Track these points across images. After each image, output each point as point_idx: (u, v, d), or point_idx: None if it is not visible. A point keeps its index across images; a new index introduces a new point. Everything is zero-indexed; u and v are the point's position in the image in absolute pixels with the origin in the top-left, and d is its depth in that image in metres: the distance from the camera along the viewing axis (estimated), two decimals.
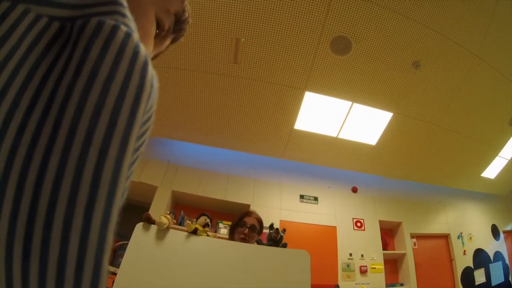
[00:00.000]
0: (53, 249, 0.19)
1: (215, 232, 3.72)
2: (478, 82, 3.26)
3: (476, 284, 4.54)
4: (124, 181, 0.23)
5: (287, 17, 2.66)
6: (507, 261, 4.98)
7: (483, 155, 4.40)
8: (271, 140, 4.05)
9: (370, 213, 4.54)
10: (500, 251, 5.03)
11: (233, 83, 3.31)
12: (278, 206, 4.20)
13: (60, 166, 0.20)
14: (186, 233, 1.47)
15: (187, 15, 0.53)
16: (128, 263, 1.31)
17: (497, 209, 5.43)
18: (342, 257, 4.04)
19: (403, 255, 4.39)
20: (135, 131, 0.24)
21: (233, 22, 2.73)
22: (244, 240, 1.74)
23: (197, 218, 1.57)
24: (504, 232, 5.27)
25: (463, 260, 4.62)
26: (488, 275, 4.67)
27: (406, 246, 4.42)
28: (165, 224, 1.43)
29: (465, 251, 4.71)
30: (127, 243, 1.37)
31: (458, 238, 4.79)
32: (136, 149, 0.26)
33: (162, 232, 1.43)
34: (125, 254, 1.32)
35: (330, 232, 4.21)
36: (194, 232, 1.48)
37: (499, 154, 4.42)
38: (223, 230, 3.72)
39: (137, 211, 1.99)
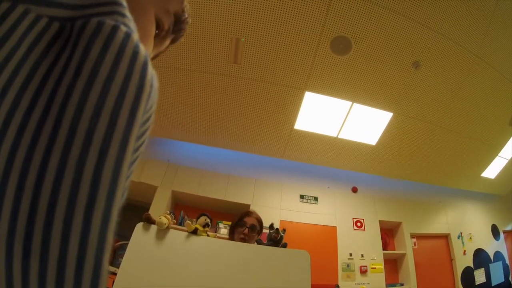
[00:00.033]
0: (53, 249, 0.19)
1: (215, 232, 3.72)
2: (478, 82, 3.26)
3: (476, 284, 4.53)
4: (124, 181, 0.23)
5: (287, 17, 2.66)
6: (507, 261, 4.98)
7: (483, 155, 4.40)
8: (271, 140, 4.05)
9: (370, 213, 4.54)
10: (500, 251, 5.03)
11: (233, 83, 3.31)
12: (278, 206, 4.20)
13: (60, 166, 0.20)
14: (186, 233, 1.47)
15: (186, 15, 0.53)
16: (128, 263, 1.31)
17: (497, 209, 5.43)
18: (342, 257, 4.04)
19: (403, 255, 4.39)
20: (135, 131, 0.24)
21: (233, 22, 2.73)
22: (244, 240, 1.74)
23: (197, 218, 1.57)
24: (504, 232, 5.27)
25: (463, 260, 4.62)
26: (488, 275, 4.67)
27: (406, 246, 4.42)
28: (165, 224, 1.43)
29: (465, 251, 4.71)
30: (127, 243, 1.37)
31: (458, 238, 4.79)
32: (136, 149, 0.26)
33: (162, 232, 1.43)
34: (125, 254, 1.32)
35: (330, 232, 4.21)
36: (194, 232, 1.48)
37: (499, 154, 4.42)
38: (223, 230, 3.72)
39: (137, 211, 1.99)
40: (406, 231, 4.57)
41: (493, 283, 4.66)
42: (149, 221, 1.46)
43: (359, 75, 3.14)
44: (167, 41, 0.53)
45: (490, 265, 4.80)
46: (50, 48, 0.23)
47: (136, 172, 3.74)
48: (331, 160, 4.38)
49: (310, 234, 4.10)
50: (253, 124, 3.81)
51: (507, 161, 4.59)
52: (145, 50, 0.26)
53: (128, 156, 0.23)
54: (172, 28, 0.50)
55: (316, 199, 4.45)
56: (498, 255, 4.96)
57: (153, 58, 0.50)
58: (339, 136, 3.90)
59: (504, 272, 4.84)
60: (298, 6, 2.58)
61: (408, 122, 3.72)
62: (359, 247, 4.17)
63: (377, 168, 4.56)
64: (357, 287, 3.88)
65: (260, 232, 1.86)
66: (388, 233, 4.69)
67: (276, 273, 1.40)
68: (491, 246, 5.00)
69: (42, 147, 0.20)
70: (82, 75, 0.22)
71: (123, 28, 0.25)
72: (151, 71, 0.26)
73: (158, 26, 0.47)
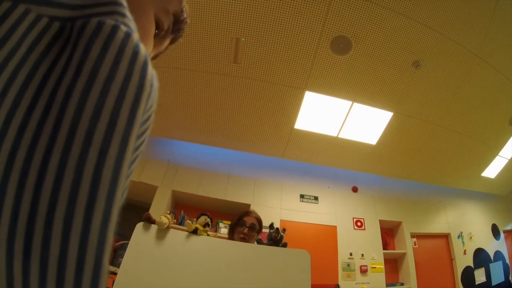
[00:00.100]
0: (53, 249, 0.19)
1: (216, 231, 3.72)
2: (478, 82, 3.26)
3: (476, 283, 4.53)
4: (124, 181, 0.23)
5: (287, 17, 2.66)
6: (507, 261, 4.98)
7: (483, 155, 4.39)
8: (271, 140, 4.05)
9: (370, 213, 4.54)
10: (500, 250, 5.03)
11: (233, 83, 3.31)
12: (278, 205, 4.20)
13: (61, 166, 0.20)
14: (187, 232, 1.47)
15: (185, 15, 0.53)
16: (128, 263, 1.31)
17: (497, 208, 5.43)
18: (342, 257, 4.04)
19: (404, 254, 4.39)
20: (135, 131, 0.24)
21: (233, 22, 2.73)
22: (244, 239, 1.74)
23: (197, 218, 1.57)
24: (504, 231, 5.27)
25: (464, 260, 4.62)
26: (488, 274, 4.67)
27: (407, 246, 4.42)
28: (165, 223, 1.43)
29: (465, 250, 4.71)
30: (128, 243, 1.37)
31: (459, 237, 4.79)
32: (136, 148, 0.26)
33: (162, 232, 1.43)
34: (125, 254, 1.32)
35: (330, 232, 4.21)
36: (195, 231, 1.48)
37: (499, 154, 4.42)
38: (224, 230, 3.72)
39: (137, 211, 2.00)
40: (406, 230, 4.57)
41: (493, 283, 4.66)
42: (149, 220, 1.46)
43: (359, 74, 3.14)
44: (167, 41, 0.53)
45: (490, 264, 4.80)
46: (50, 48, 0.23)
47: (136, 172, 3.75)
48: (331, 159, 4.38)
49: (310, 234, 4.10)
50: (253, 123, 3.81)
51: (507, 160, 4.58)
52: (145, 50, 0.26)
53: (128, 156, 0.23)
54: (171, 28, 0.50)
55: (316, 198, 4.45)
56: (498, 255, 4.96)
57: (153, 58, 0.50)
58: (339, 136, 3.90)
59: (504, 272, 4.84)
60: (298, 6, 2.58)
61: (408, 121, 3.72)
62: (359, 246, 4.17)
63: (377, 167, 4.56)
64: (358, 287, 3.88)
65: (259, 231, 1.87)
66: (388, 232, 4.69)
67: (276, 273, 1.40)
68: (491, 246, 5.00)
69: (43, 147, 0.20)
70: (82, 75, 0.22)
71: (123, 28, 0.25)
72: (151, 71, 0.26)
73: (158, 26, 0.47)
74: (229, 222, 3.55)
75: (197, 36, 2.85)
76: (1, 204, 0.19)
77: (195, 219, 1.61)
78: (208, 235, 1.52)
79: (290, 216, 4.14)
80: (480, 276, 4.60)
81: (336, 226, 4.27)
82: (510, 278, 4.83)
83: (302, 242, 3.81)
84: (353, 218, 4.42)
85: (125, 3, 0.27)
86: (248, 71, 3.17)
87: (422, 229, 4.72)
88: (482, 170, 4.72)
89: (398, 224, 4.68)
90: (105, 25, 0.24)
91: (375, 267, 4.06)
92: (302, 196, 4.41)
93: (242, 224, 1.80)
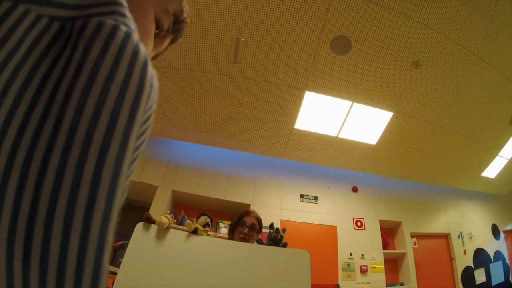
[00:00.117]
0: (53, 249, 0.19)
1: (216, 231, 3.72)
2: (478, 82, 3.26)
3: (476, 283, 4.54)
4: (124, 181, 0.23)
5: (287, 17, 2.66)
6: (507, 261, 4.98)
7: (483, 155, 4.39)
8: (271, 140, 4.05)
9: (370, 213, 4.54)
10: (500, 250, 5.03)
11: (233, 83, 3.31)
12: (278, 205, 4.20)
13: (61, 166, 0.20)
14: (187, 232, 1.47)
15: (185, 15, 0.53)
16: (128, 263, 1.31)
17: (497, 208, 5.43)
18: (342, 257, 4.04)
19: (404, 254, 4.39)
20: (135, 131, 0.24)
21: (233, 22, 2.73)
22: (244, 239, 1.74)
23: (197, 218, 1.57)
24: (504, 231, 5.27)
25: (464, 260, 4.62)
26: (488, 274, 4.67)
27: (407, 246, 4.42)
28: (165, 223, 1.43)
29: (465, 250, 4.71)
30: (128, 243, 1.37)
31: (459, 237, 4.79)
32: (136, 148, 0.26)
33: (162, 232, 1.43)
34: (125, 254, 1.32)
35: (330, 232, 4.21)
36: (195, 231, 1.48)
37: (499, 154, 4.42)
38: (224, 230, 3.72)
39: (137, 211, 2.00)
40: (406, 230, 4.57)
41: (493, 283, 4.66)
42: (149, 220, 1.46)
43: (359, 74, 3.14)
44: (167, 41, 0.53)
45: (490, 264, 4.80)
46: (50, 48, 0.23)
47: (136, 172, 3.75)
48: (331, 159, 4.38)
49: (310, 234, 4.10)
50: (253, 123, 3.81)
51: (507, 160, 4.58)
52: (145, 50, 0.26)
53: (128, 156, 0.23)
54: (171, 28, 0.50)
55: (316, 198, 4.45)
56: (498, 255, 4.97)
57: (153, 58, 0.51)
58: (339, 136, 3.90)
59: (504, 272, 4.84)
60: (298, 5, 2.58)
61: (408, 121, 3.72)
62: (360, 246, 4.17)
63: (377, 167, 4.56)
64: (358, 287, 3.88)
65: (259, 231, 1.87)
66: (388, 232, 4.69)
67: (276, 273, 1.40)
68: (491, 246, 5.00)
69: (43, 147, 0.20)
70: (82, 75, 0.22)
71: (123, 28, 0.25)
72: (151, 71, 0.26)
73: (158, 26, 0.47)
74: (229, 222, 3.55)
75: (197, 36, 2.85)
76: (1, 204, 0.19)
77: (195, 219, 1.61)
78: (208, 235, 1.52)
79: (290, 216, 4.14)
80: (480, 276, 4.60)
81: (336, 226, 4.27)
82: (510, 278, 4.83)
83: (302, 242, 3.81)
84: (353, 218, 4.42)
85: (125, 3, 0.27)
86: (248, 71, 3.17)
87: (422, 229, 4.72)
88: (482, 170, 4.72)
89: (398, 224, 4.68)
90: (105, 25, 0.24)
91: (375, 267, 4.06)
92: (302, 196, 4.41)
93: (242, 224, 1.80)
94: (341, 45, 2.85)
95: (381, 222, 4.48)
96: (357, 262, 4.04)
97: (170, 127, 4.00)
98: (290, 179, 4.51)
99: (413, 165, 4.48)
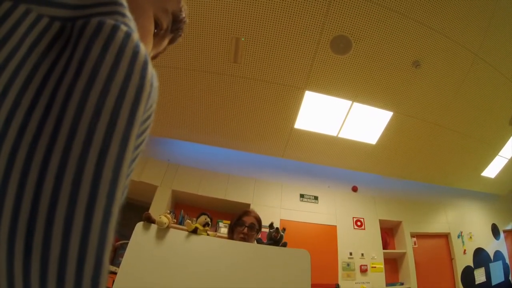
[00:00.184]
0: (54, 248, 0.19)
1: (215, 231, 3.72)
2: (478, 81, 3.26)
3: (476, 283, 4.54)
4: (124, 180, 0.23)
5: (287, 17, 2.66)
6: (507, 261, 4.98)
7: (483, 154, 4.40)
8: (271, 139, 4.06)
9: (370, 212, 4.54)
10: (500, 250, 5.04)
11: (233, 83, 3.31)
12: (278, 205, 4.21)
13: (61, 165, 0.20)
14: (186, 232, 1.47)
15: (184, 15, 0.53)
16: (128, 263, 1.31)
17: (497, 208, 5.44)
18: (342, 256, 4.04)
19: (403, 254, 4.40)
20: (135, 131, 0.24)
21: (233, 22, 2.73)
22: (243, 239, 1.74)
23: (197, 218, 1.57)
24: (504, 231, 5.28)
25: (463, 259, 4.62)
26: (488, 274, 4.67)
27: (406, 245, 4.43)
28: (165, 223, 1.43)
29: (465, 250, 4.71)
30: (128, 242, 1.37)
31: (458, 237, 4.79)
32: (136, 147, 0.26)
33: (162, 232, 1.43)
34: (125, 254, 1.32)
35: (330, 231, 4.21)
36: (194, 231, 1.48)
37: (499, 154, 4.42)
38: (223, 229, 3.72)
39: (137, 211, 1.99)
40: (406, 230, 4.57)
41: (493, 283, 4.66)
42: (149, 220, 1.46)
43: (359, 74, 3.14)
44: (166, 41, 0.53)
45: (490, 264, 4.81)
46: (51, 48, 0.23)
47: (136, 172, 3.75)
48: (331, 159, 4.39)
49: (310, 233, 4.10)
50: (253, 123, 3.81)
51: (507, 160, 4.59)
52: (145, 50, 0.26)
53: (128, 155, 0.23)
54: (170, 27, 0.51)
55: (316, 198, 4.45)
56: (498, 255, 4.97)
57: (153, 58, 0.51)
58: (339, 136, 3.90)
59: (504, 272, 4.84)
60: (298, 5, 2.58)
61: (408, 121, 3.72)
62: (359, 246, 4.17)
63: (377, 167, 4.56)
64: (357, 286, 3.88)
65: (259, 230, 1.87)
66: (388, 232, 4.69)
67: (276, 273, 1.40)
68: (491, 246, 5.01)
69: (43, 147, 0.21)
70: (83, 75, 0.22)
71: (123, 28, 0.25)
72: (151, 71, 0.26)
73: (157, 25, 0.47)
74: (229, 222, 3.55)
75: (197, 36, 2.85)
76: (2, 203, 0.19)
77: (195, 219, 1.61)
78: (208, 234, 1.52)
79: (290, 216, 4.14)
80: (480, 276, 4.60)
81: (336, 226, 4.27)
82: (510, 278, 4.83)
83: (302, 241, 3.81)
84: (353, 217, 4.42)
85: (125, 3, 0.27)
86: (248, 71, 3.17)
87: (422, 228, 4.72)
88: (482, 170, 4.72)
89: (398, 223, 4.68)
90: (105, 25, 0.24)
91: (375, 267, 4.06)
92: (302, 195, 4.41)
93: (242, 223, 1.80)
94: (341, 44, 2.85)
95: (381, 221, 4.48)
96: (357, 262, 4.04)
97: (170, 126, 4.00)
98: (290, 179, 4.51)
99: (413, 165, 4.48)
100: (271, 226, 1.84)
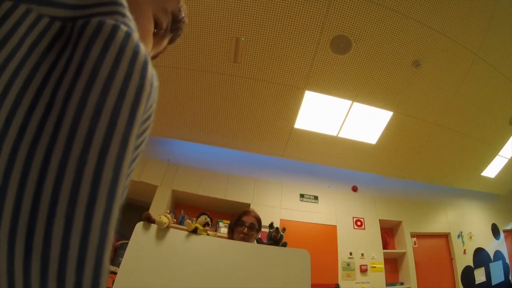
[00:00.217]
0: (54, 248, 0.19)
1: (215, 231, 3.72)
2: (478, 81, 3.26)
3: (476, 283, 4.54)
4: (124, 180, 0.23)
5: (287, 16, 2.66)
6: (507, 260, 4.98)
7: (483, 154, 4.39)
8: (271, 139, 4.06)
9: (370, 212, 4.54)
10: (500, 250, 5.04)
11: (233, 82, 3.31)
12: (278, 205, 4.21)
13: (61, 165, 0.20)
14: (186, 232, 1.47)
15: (183, 15, 0.53)
16: (128, 262, 1.31)
17: (497, 208, 5.44)
18: (342, 256, 4.04)
19: (403, 254, 4.40)
20: (135, 131, 0.24)
21: (233, 22, 2.73)
22: (243, 239, 1.74)
23: (197, 217, 1.57)
24: (504, 231, 5.27)
25: (463, 259, 4.62)
26: (488, 274, 4.67)
27: (406, 245, 4.43)
28: (165, 223, 1.43)
29: (465, 250, 4.71)
30: (128, 242, 1.37)
31: (458, 237, 4.79)
32: (137, 147, 0.26)
33: (162, 232, 1.43)
34: (125, 253, 1.32)
35: (330, 231, 4.21)
36: (194, 231, 1.48)
37: (499, 153, 4.42)
38: (223, 229, 3.72)
39: (137, 211, 1.99)
40: (406, 230, 4.57)
41: (493, 283, 4.66)
42: (149, 220, 1.46)
43: (359, 74, 3.14)
44: (166, 41, 0.53)
45: (490, 264, 4.81)
46: (51, 48, 0.23)
47: (137, 172, 3.74)
48: (331, 159, 4.38)
49: (310, 233, 4.10)
50: (253, 123, 3.81)
51: (507, 160, 4.58)
52: (145, 50, 0.26)
53: (129, 155, 0.23)
54: (170, 27, 0.51)
55: (316, 198, 4.45)
56: (498, 254, 4.97)
57: (152, 58, 0.51)
58: (339, 135, 3.90)
59: (504, 271, 4.84)
60: (298, 5, 2.58)
61: (408, 121, 3.72)
62: (359, 246, 4.17)
63: (377, 167, 4.56)
64: (357, 286, 3.88)
65: (259, 230, 1.87)
66: (388, 232, 4.69)
67: (276, 272, 1.40)
68: (491, 245, 5.00)
69: (43, 147, 0.21)
70: (83, 75, 0.22)
71: (123, 28, 0.25)
72: (151, 71, 0.26)
73: (157, 25, 0.47)
74: (229, 222, 3.55)
75: (197, 36, 2.85)
76: (2, 203, 0.19)
77: (195, 219, 1.61)
78: (208, 234, 1.52)
79: (290, 216, 4.14)
80: (480, 276, 4.60)
81: (336, 226, 4.27)
82: (510, 278, 4.83)
83: (302, 241, 3.81)
84: (353, 217, 4.42)
85: (125, 3, 0.27)
86: (248, 71, 3.17)
87: (422, 228, 4.72)
88: (482, 170, 4.72)
89: (398, 223, 4.68)
90: (106, 25, 0.24)
91: (375, 267, 4.06)
92: (302, 195, 4.41)
93: (242, 223, 1.80)
94: (341, 44, 2.85)
95: (381, 221, 4.48)
96: (357, 262, 4.04)
97: (170, 126, 4.00)
98: (290, 179, 4.51)
99: (413, 165, 4.48)
100: (271, 226, 1.84)
